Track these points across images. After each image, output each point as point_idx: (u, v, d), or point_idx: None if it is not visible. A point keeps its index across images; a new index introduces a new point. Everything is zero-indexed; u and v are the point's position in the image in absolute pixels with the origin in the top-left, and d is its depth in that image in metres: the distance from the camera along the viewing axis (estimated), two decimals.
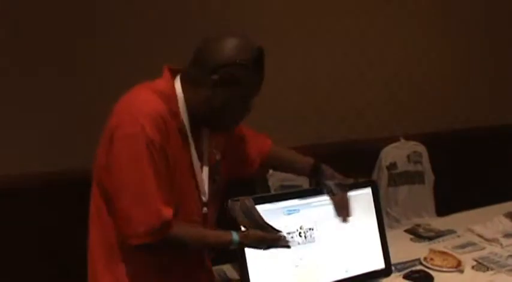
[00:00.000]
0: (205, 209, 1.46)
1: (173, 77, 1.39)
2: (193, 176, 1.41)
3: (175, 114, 1.34)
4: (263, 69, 1.37)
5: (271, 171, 2.59)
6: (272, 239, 1.42)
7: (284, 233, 1.45)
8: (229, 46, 1.32)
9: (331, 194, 1.65)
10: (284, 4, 2.83)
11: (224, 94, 1.34)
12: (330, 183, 1.65)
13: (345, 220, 1.64)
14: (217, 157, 1.52)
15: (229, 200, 1.42)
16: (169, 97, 1.34)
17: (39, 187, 2.33)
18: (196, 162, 1.41)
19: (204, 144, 1.46)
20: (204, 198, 1.45)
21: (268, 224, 1.41)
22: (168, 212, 1.28)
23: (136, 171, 1.26)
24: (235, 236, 1.37)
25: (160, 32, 2.51)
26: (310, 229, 1.63)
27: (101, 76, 2.40)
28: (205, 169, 1.45)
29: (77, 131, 2.37)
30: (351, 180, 1.70)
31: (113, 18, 2.41)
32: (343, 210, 1.64)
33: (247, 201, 1.41)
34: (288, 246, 1.45)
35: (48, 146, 2.36)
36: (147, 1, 2.49)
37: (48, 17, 2.30)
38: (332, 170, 1.67)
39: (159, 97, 1.32)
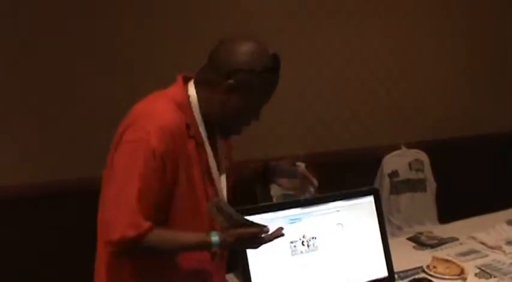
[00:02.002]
0: None
1: (186, 84, 1.38)
2: (212, 184, 1.40)
3: (192, 122, 1.34)
4: (278, 77, 1.36)
5: None
6: (254, 233, 1.29)
7: (268, 226, 1.30)
8: (246, 51, 1.31)
9: (290, 176, 1.60)
10: (286, 14, 2.85)
11: (239, 100, 1.33)
12: (282, 167, 1.60)
13: (311, 191, 1.58)
14: (227, 166, 1.51)
15: (208, 203, 1.33)
16: (184, 105, 1.34)
17: (44, 196, 2.34)
18: (215, 171, 1.40)
19: (219, 152, 1.45)
20: None
21: (247, 220, 1.29)
22: (145, 225, 1.23)
23: (125, 178, 1.24)
24: (214, 236, 1.27)
25: (166, 39, 2.54)
26: (313, 238, 1.63)
27: (110, 83, 2.42)
28: (223, 177, 1.45)
29: (84, 140, 2.40)
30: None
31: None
32: (306, 183, 1.59)
33: (219, 201, 1.30)
34: (282, 234, 1.32)
35: (58, 155, 2.39)
36: (149, 8, 2.51)
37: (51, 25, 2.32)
38: (282, 164, 1.63)
39: (175, 106, 1.31)
